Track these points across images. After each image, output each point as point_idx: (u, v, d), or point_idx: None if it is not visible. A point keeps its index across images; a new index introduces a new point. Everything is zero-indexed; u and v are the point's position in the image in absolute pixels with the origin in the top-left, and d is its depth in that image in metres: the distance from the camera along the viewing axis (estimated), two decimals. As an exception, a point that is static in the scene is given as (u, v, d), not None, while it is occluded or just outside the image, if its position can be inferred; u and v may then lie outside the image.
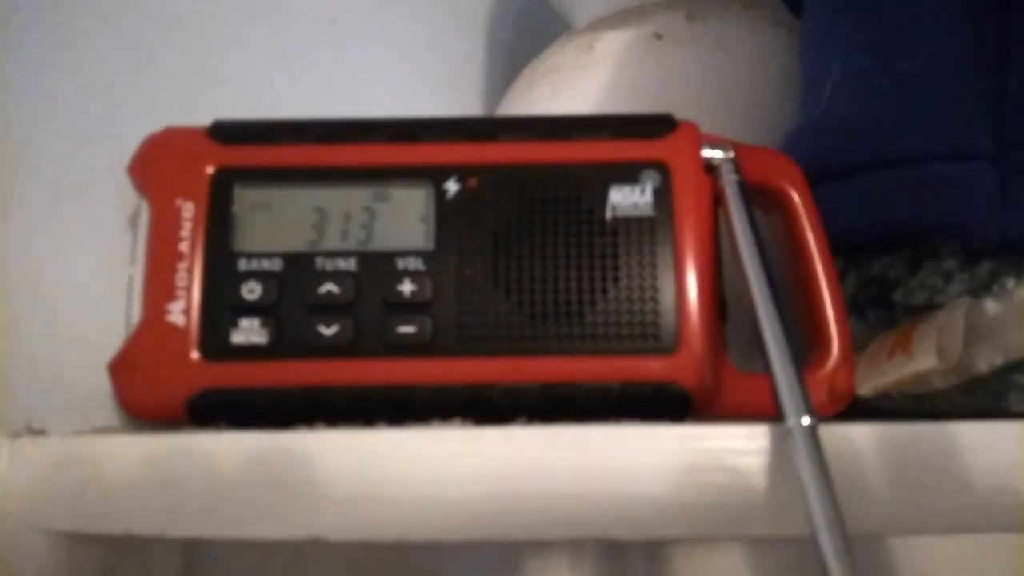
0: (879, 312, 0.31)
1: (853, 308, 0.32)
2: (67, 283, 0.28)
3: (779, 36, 0.42)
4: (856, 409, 0.30)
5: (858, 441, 0.24)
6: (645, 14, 0.44)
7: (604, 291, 0.28)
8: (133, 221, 0.30)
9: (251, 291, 0.28)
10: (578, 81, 0.44)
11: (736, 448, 0.23)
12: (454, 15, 0.61)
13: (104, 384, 0.28)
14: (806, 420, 0.22)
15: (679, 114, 0.30)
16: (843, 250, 0.32)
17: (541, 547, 0.45)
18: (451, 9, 0.60)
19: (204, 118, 0.30)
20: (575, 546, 0.45)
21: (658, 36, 0.43)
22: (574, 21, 0.51)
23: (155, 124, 0.30)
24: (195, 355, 0.28)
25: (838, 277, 0.31)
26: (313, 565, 0.39)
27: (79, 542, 0.26)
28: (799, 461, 0.22)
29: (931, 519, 0.24)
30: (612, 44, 0.44)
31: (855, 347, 0.30)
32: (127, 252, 0.29)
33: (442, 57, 0.59)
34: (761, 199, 0.31)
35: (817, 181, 0.31)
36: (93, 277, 0.29)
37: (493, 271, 0.28)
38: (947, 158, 0.28)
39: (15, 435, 0.25)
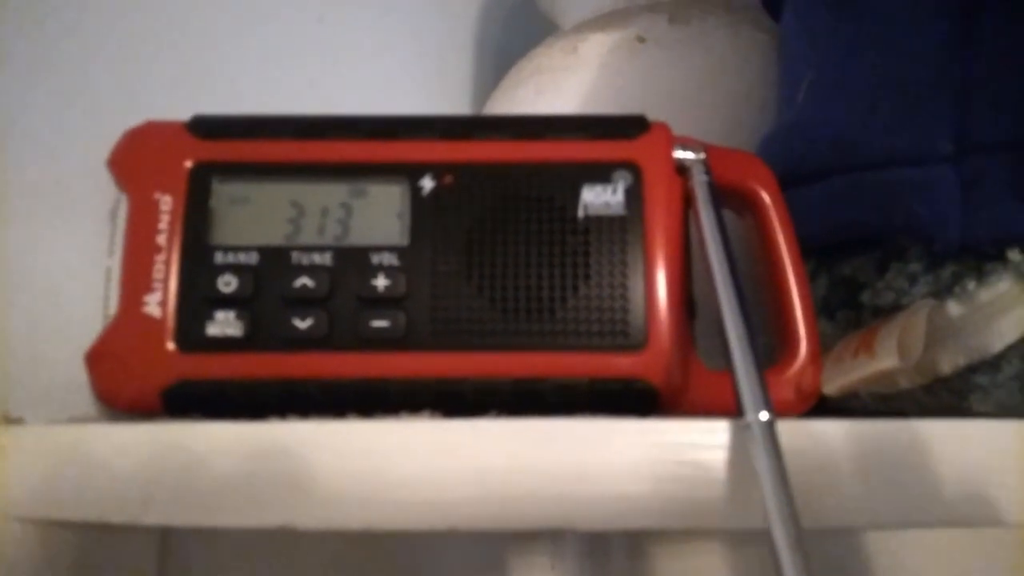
0: (848, 313, 0.32)
1: (823, 309, 0.32)
2: (46, 274, 0.29)
3: (760, 40, 0.42)
4: (826, 409, 0.30)
5: (825, 437, 0.24)
6: (628, 17, 0.45)
7: (575, 288, 0.28)
8: (113, 214, 0.30)
9: (227, 284, 0.28)
10: (562, 82, 0.45)
11: (697, 443, 0.24)
12: (443, 15, 0.61)
13: (81, 374, 0.28)
14: (764, 415, 0.23)
15: (661, 116, 0.30)
16: (814, 252, 0.33)
17: (522, 543, 0.45)
18: (440, 9, 0.60)
19: (188, 114, 0.30)
20: (556, 542, 0.45)
21: (641, 39, 0.43)
22: (561, 22, 0.51)
23: (137, 119, 0.30)
24: (171, 346, 0.28)
25: (809, 279, 0.31)
26: (288, 555, 0.39)
27: (54, 529, 0.27)
28: (756, 455, 0.22)
29: (896, 513, 0.24)
30: (596, 46, 0.44)
31: (826, 348, 0.30)
32: (106, 244, 0.30)
33: (431, 57, 0.59)
34: (733, 201, 0.31)
35: (790, 184, 0.31)
36: (72, 268, 0.29)
37: (467, 268, 0.29)
38: (911, 162, 0.28)
39: (-8, 423, 0.26)
